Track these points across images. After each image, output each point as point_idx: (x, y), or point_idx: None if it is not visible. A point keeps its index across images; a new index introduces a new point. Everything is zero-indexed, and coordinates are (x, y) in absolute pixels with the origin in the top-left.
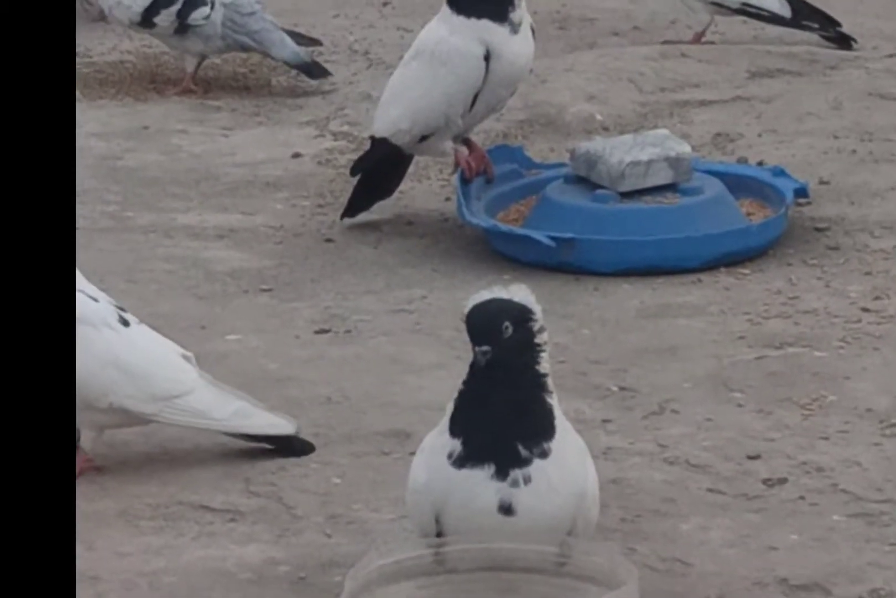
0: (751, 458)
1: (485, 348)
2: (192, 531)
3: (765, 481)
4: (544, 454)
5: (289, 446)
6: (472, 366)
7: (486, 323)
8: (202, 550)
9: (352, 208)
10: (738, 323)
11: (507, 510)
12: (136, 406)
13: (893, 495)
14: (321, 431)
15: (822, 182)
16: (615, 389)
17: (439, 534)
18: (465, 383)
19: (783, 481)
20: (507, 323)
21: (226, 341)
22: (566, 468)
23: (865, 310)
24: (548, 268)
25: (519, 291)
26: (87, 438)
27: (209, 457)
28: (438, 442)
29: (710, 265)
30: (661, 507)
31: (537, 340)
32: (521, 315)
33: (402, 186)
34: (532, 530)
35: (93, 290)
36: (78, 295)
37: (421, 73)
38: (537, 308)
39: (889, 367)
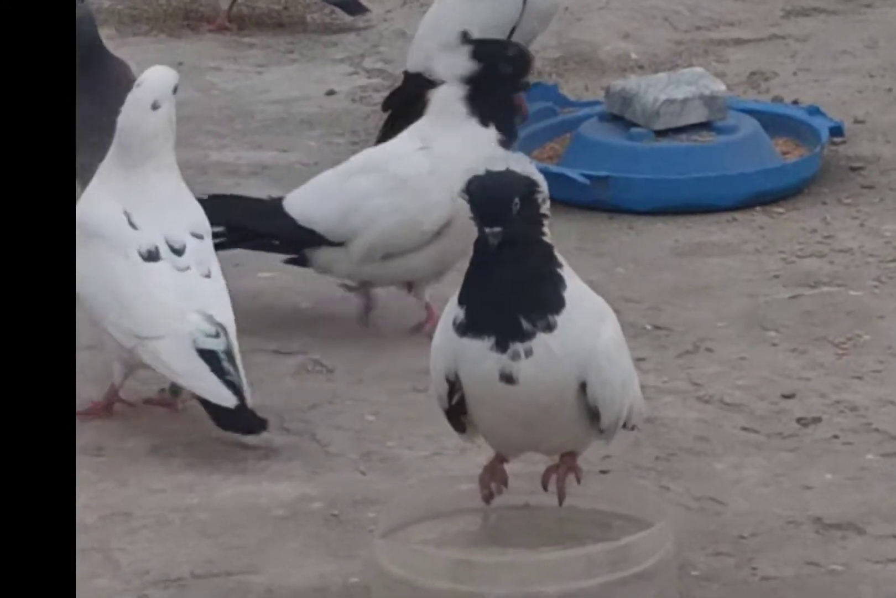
0: (785, 397)
1: (496, 228)
2: (226, 468)
3: (799, 420)
4: (549, 328)
5: (230, 420)
6: (480, 244)
7: (495, 202)
8: (235, 486)
9: (383, 140)
10: (773, 262)
11: (508, 379)
12: (118, 336)
13: None
14: (355, 368)
15: (857, 121)
16: (649, 327)
17: (451, 394)
18: (472, 260)
19: (817, 420)
20: (516, 200)
21: (259, 278)
22: (573, 339)
23: None
24: (582, 206)
25: (519, 161)
26: (118, 373)
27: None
28: (450, 305)
29: (745, 204)
30: (694, 446)
31: (543, 210)
32: (528, 189)
33: None
34: (537, 397)
35: (147, 219)
36: (119, 217)
37: (459, 5)
38: (541, 178)
39: None
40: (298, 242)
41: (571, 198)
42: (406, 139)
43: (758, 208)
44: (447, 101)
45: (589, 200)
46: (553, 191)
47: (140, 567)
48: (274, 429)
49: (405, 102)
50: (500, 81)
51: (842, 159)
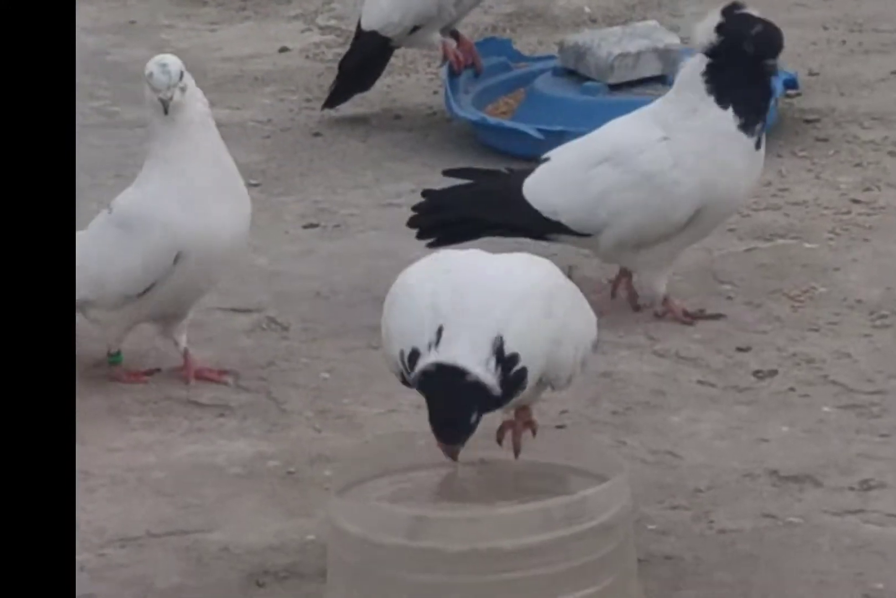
0: (741, 350)
1: (457, 446)
2: (182, 427)
3: (755, 373)
4: None
5: None
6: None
7: (452, 424)
8: (192, 445)
9: (332, 99)
10: None
11: None
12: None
13: (884, 386)
14: (310, 326)
15: (811, 73)
16: (605, 282)
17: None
18: None
19: (773, 373)
20: (473, 417)
21: None
22: None
23: (855, 201)
24: (537, 161)
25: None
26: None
27: (197, 353)
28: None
29: None
30: (651, 399)
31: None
32: (486, 401)
33: (389, 80)
34: None
35: None
36: None
37: None
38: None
39: (879, 258)
40: (544, 232)
41: (526, 152)
42: (647, 125)
43: None
44: (691, 73)
45: (543, 154)
46: (507, 146)
47: (97, 526)
48: (228, 388)
49: (357, 61)
50: (740, 60)
51: (796, 112)
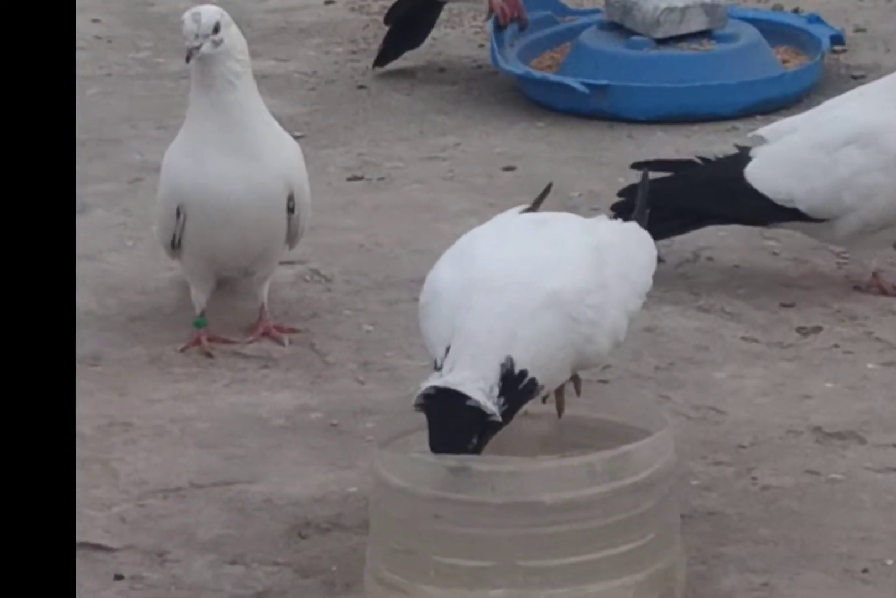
0: (785, 306)
1: (452, 462)
2: (225, 378)
3: (799, 330)
4: None
5: None
6: None
7: (452, 446)
8: (234, 396)
9: (383, 57)
10: None
11: None
12: None
13: None
14: (353, 278)
15: (857, 29)
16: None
17: None
18: None
19: (818, 329)
20: (473, 441)
21: None
22: None
23: None
24: (581, 115)
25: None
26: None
27: (241, 303)
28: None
29: (745, 113)
30: (694, 355)
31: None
32: (482, 421)
33: (435, 33)
34: None
35: None
36: None
37: None
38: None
39: None
40: (772, 220)
41: (571, 107)
42: (884, 105)
43: (758, 117)
44: None
45: (588, 109)
46: (552, 100)
47: (139, 477)
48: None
49: (405, 16)
50: None
51: (842, 68)
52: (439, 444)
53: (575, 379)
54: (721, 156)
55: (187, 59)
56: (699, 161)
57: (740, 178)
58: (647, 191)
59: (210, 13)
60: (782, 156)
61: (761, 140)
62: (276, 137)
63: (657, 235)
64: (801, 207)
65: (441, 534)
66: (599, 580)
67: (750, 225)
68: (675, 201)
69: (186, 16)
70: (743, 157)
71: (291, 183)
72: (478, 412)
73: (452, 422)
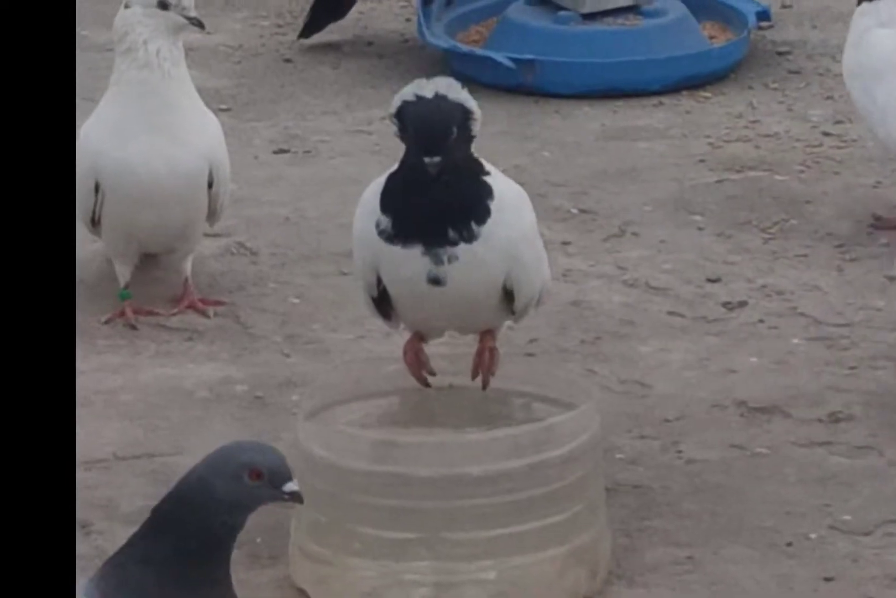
0: (711, 281)
1: (436, 158)
2: (150, 350)
3: (724, 305)
4: (472, 238)
5: None
6: (416, 170)
7: (434, 133)
8: (159, 368)
9: (307, 29)
10: (699, 146)
11: (436, 281)
12: None
13: (852, 318)
14: (279, 251)
15: (784, 6)
16: (575, 211)
17: (382, 293)
18: (399, 174)
19: (743, 304)
20: (454, 129)
21: None
22: (500, 244)
23: (826, 134)
24: (508, 90)
25: (449, 88)
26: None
27: (166, 275)
28: (368, 205)
29: (672, 88)
30: (620, 329)
31: (474, 132)
32: (465, 116)
33: (361, 7)
34: (464, 296)
35: None
36: None
37: None
38: (475, 104)
39: (850, 191)
40: None
41: (497, 82)
42: None
43: (684, 93)
44: None
45: (515, 83)
46: (479, 74)
47: None
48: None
49: None
50: None
51: (768, 44)
52: (423, 132)
53: (493, 351)
54: None
55: (202, 26)
56: None
57: None
58: None
59: None
60: None
61: None
62: (201, 116)
63: None
64: None
65: (366, 506)
66: (524, 552)
67: None
68: None
69: None
70: None
71: (212, 162)
72: (461, 107)
73: (436, 111)
